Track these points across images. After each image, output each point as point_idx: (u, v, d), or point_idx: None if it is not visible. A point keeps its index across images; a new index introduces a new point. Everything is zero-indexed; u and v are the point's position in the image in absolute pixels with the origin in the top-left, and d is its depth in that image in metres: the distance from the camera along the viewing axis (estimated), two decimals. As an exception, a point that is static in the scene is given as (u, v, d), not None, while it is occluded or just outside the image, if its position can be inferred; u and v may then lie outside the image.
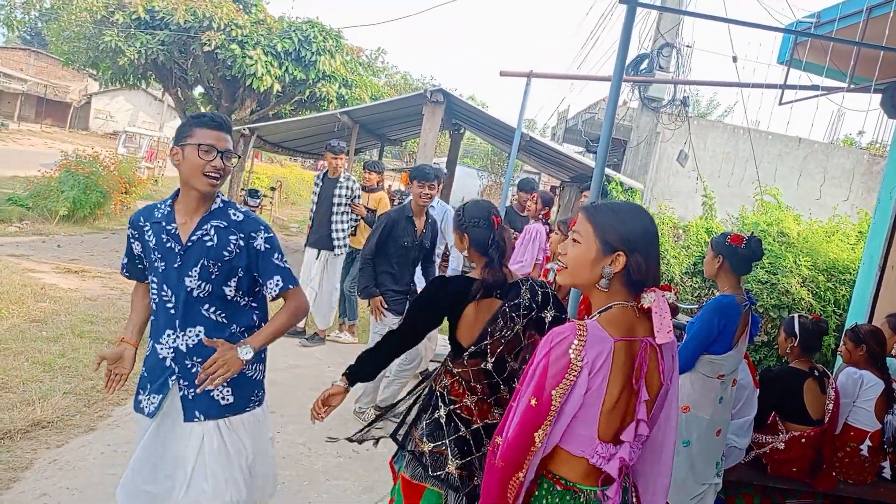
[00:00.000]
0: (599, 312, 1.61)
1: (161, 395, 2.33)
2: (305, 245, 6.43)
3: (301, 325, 6.36)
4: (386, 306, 4.50)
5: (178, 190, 2.34)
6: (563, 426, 1.54)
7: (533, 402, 1.52)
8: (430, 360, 4.99)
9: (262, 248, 2.33)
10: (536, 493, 1.62)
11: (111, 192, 12.19)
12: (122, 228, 11.98)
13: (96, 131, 37.69)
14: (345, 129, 10.93)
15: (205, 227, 2.28)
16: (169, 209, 2.31)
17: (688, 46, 11.88)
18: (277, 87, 13.57)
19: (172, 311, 2.29)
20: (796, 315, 3.74)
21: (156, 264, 2.29)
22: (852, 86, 5.11)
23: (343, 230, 6.28)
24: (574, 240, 1.63)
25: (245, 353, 2.24)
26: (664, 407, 1.67)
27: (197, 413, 2.30)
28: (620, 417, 1.58)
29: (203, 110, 16.41)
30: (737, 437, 3.43)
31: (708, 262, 3.10)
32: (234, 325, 2.35)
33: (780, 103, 5.47)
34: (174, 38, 13.32)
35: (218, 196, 2.35)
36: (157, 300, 2.32)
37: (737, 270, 3.03)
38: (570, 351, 1.51)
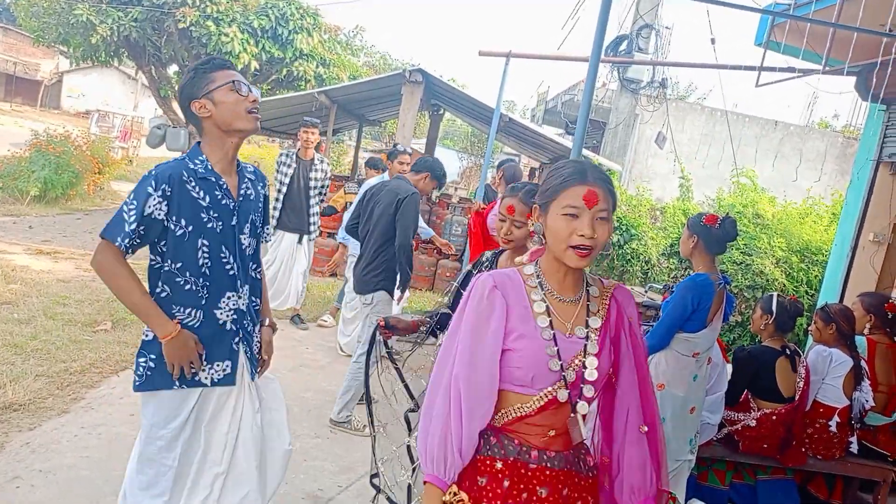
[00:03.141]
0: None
1: (232, 361, 2.23)
2: (277, 228, 6.06)
3: (298, 307, 6.34)
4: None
5: (198, 147, 2.17)
6: None
7: None
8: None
9: (266, 196, 2.40)
10: None
11: (84, 172, 11.95)
12: (95, 209, 11.77)
13: (68, 110, 36.84)
14: (323, 108, 10.81)
15: (245, 180, 2.26)
16: (208, 164, 2.14)
17: (667, 28, 11.90)
18: (255, 64, 13.35)
19: (232, 272, 2.18)
20: (775, 293, 3.80)
21: (209, 225, 2.11)
22: (827, 68, 5.15)
23: (317, 213, 6.24)
24: (602, 217, 1.56)
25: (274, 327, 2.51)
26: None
27: (255, 371, 2.38)
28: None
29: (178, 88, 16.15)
30: (710, 414, 3.50)
31: (683, 242, 3.13)
32: (258, 278, 2.38)
33: (757, 85, 5.50)
34: (147, 14, 13.02)
35: None
36: (210, 265, 2.13)
37: (711, 250, 3.07)
38: None
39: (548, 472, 1.58)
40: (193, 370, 2.15)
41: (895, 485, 4.02)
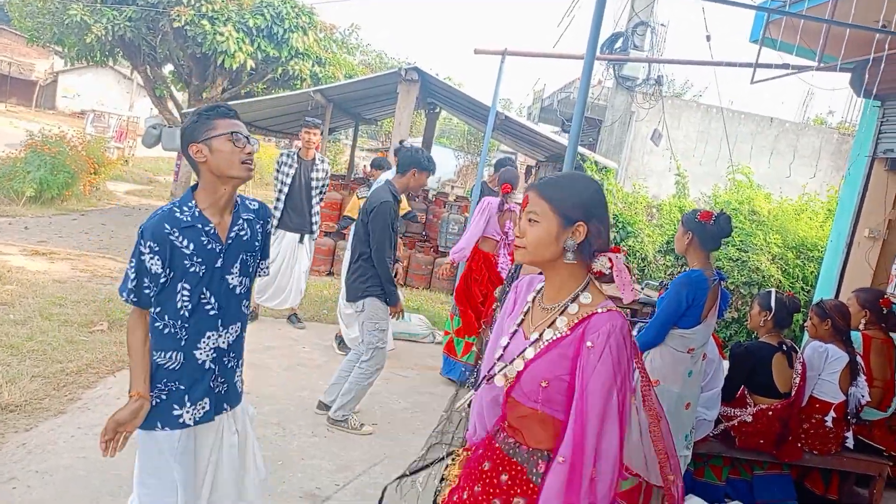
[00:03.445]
0: (593, 297, 1.65)
1: (209, 398, 2.26)
2: (279, 228, 6.05)
3: (296, 307, 6.34)
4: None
5: (191, 192, 2.22)
6: None
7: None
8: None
9: (268, 231, 2.42)
10: None
11: (79, 172, 11.93)
12: (91, 209, 11.75)
13: (63, 110, 36.72)
14: (319, 107, 10.79)
15: (239, 221, 2.27)
16: (197, 210, 2.19)
17: (662, 25, 11.91)
18: (250, 64, 13.31)
19: (213, 313, 2.23)
20: (773, 290, 3.81)
21: (192, 270, 2.16)
22: (822, 65, 5.16)
23: (318, 213, 6.26)
24: (530, 220, 1.62)
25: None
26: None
27: (226, 405, 2.33)
28: None
29: (173, 89, 16.08)
30: (706, 410, 3.50)
31: (678, 239, 3.14)
32: (247, 312, 2.40)
33: (752, 82, 5.52)
34: (142, 13, 12.96)
35: None
36: (189, 306, 2.18)
37: (706, 246, 3.07)
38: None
39: (499, 453, 1.70)
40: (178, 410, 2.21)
41: (891, 479, 4.04)
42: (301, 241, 6.14)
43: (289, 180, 6.02)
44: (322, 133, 6.71)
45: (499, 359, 1.69)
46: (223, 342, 2.27)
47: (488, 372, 1.71)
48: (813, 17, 4.66)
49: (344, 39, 17.11)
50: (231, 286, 2.26)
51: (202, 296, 2.20)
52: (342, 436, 4.10)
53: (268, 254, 2.45)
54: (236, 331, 2.32)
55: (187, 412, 2.22)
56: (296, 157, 6.08)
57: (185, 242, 2.15)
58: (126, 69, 25.36)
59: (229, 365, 2.33)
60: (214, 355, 2.26)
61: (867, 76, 5.20)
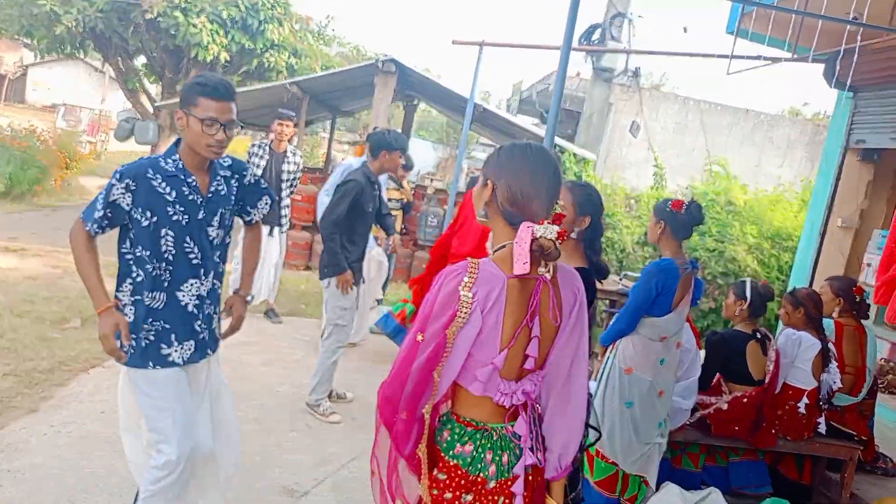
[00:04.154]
0: (494, 251, 1.63)
1: (194, 341, 2.46)
2: None
3: (272, 301, 6.29)
4: (353, 280, 4.26)
5: (175, 146, 2.39)
6: (457, 365, 1.55)
7: (419, 337, 1.54)
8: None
9: (252, 181, 2.61)
10: (448, 437, 1.63)
11: (50, 167, 11.71)
12: (63, 205, 11.52)
13: (34, 104, 35.90)
14: (295, 100, 10.67)
15: (217, 178, 2.46)
16: (181, 163, 2.36)
17: (640, 17, 11.95)
18: (224, 56, 13.13)
19: (196, 261, 2.41)
20: (748, 279, 3.86)
21: (174, 217, 2.33)
22: (795, 56, 5.22)
23: (289, 206, 6.18)
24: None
25: (249, 299, 2.75)
26: (566, 344, 1.64)
27: (208, 350, 2.54)
28: (521, 355, 1.59)
29: (146, 81, 15.81)
30: (682, 399, 3.54)
31: (651, 228, 3.16)
32: (222, 264, 2.57)
33: (728, 73, 5.56)
34: (113, 4, 12.72)
35: None
36: (173, 251, 2.35)
37: (678, 235, 3.09)
38: (461, 288, 1.52)
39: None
40: (124, 349, 2.34)
41: (861, 463, 4.12)
42: (270, 233, 6.06)
43: (259, 171, 5.93)
44: (296, 125, 6.64)
45: None
46: (203, 290, 2.46)
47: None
48: (786, 9, 4.71)
49: (320, 31, 16.96)
50: (210, 237, 2.45)
51: (185, 244, 2.37)
52: (321, 431, 4.08)
53: (254, 202, 2.65)
54: (213, 280, 2.50)
55: (175, 351, 2.42)
56: (267, 148, 6.00)
57: (167, 189, 2.33)
58: (97, 62, 24.91)
59: (208, 311, 2.51)
60: (196, 301, 2.44)
61: (839, 67, 5.28)
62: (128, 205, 2.29)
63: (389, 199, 7.07)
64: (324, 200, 5.33)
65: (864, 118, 6.04)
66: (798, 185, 10.41)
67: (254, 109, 12.53)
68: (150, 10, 12.21)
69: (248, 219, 2.70)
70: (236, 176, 2.55)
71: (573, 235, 2.52)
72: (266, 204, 2.68)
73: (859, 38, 4.35)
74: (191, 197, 2.36)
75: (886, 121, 5.77)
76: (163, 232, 2.33)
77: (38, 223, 9.41)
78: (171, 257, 2.36)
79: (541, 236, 1.50)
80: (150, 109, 14.63)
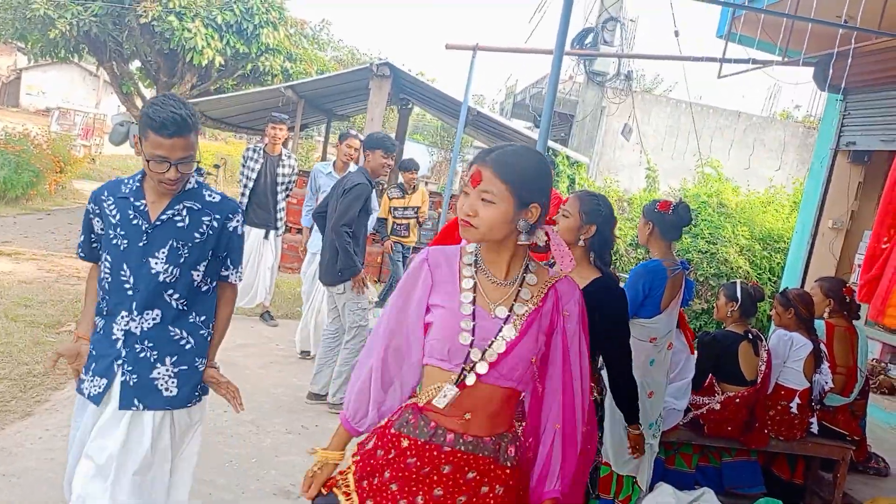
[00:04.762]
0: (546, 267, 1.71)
1: (107, 381, 2.20)
2: (244, 224, 6.04)
3: (267, 304, 6.30)
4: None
5: (143, 169, 2.21)
6: None
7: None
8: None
9: (237, 233, 2.33)
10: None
11: (45, 171, 11.70)
12: (57, 209, 11.51)
13: (28, 108, 35.81)
14: (290, 103, 10.70)
15: (177, 206, 2.19)
16: (138, 185, 2.20)
17: (631, 21, 12.02)
18: (219, 60, 13.15)
19: (130, 293, 2.18)
20: (738, 280, 3.88)
21: (115, 241, 2.16)
22: (786, 59, 5.27)
23: (284, 209, 6.20)
24: (485, 199, 1.57)
25: (216, 365, 2.40)
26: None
27: (136, 402, 2.19)
28: None
29: (141, 85, 15.81)
30: (675, 400, 3.56)
31: (640, 230, 3.19)
32: (194, 314, 2.28)
33: (719, 76, 5.61)
34: (108, 8, 12.73)
35: (192, 177, 2.23)
36: (109, 279, 2.19)
37: (666, 236, 3.11)
38: None
39: (459, 455, 1.60)
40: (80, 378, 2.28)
41: (853, 463, 4.16)
42: (266, 236, 6.09)
43: (254, 175, 5.97)
44: (290, 128, 6.66)
45: (471, 345, 1.58)
46: (135, 327, 2.19)
47: (466, 362, 1.58)
48: (776, 13, 4.76)
49: (315, 35, 16.99)
50: (154, 271, 2.16)
51: (122, 272, 2.17)
52: (316, 432, 4.09)
53: (237, 260, 2.36)
54: (154, 319, 2.20)
55: (87, 382, 2.24)
56: (262, 152, 6.03)
57: (113, 211, 2.20)
58: (92, 65, 24.86)
59: (142, 355, 2.20)
60: (125, 337, 2.19)
61: (830, 70, 5.32)
62: (101, 228, 2.23)
63: (405, 208, 7.23)
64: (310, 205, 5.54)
65: (854, 120, 6.09)
66: (790, 186, 10.49)
67: (248, 113, 12.56)
68: (145, 14, 12.23)
69: (224, 274, 2.36)
70: (217, 216, 2.25)
71: (579, 243, 2.54)
72: (237, 275, 2.39)
73: (853, 41, 4.39)
74: (135, 221, 2.16)
75: (876, 122, 5.82)
76: (104, 256, 2.22)
77: (32, 227, 9.38)
78: (107, 284, 2.20)
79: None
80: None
